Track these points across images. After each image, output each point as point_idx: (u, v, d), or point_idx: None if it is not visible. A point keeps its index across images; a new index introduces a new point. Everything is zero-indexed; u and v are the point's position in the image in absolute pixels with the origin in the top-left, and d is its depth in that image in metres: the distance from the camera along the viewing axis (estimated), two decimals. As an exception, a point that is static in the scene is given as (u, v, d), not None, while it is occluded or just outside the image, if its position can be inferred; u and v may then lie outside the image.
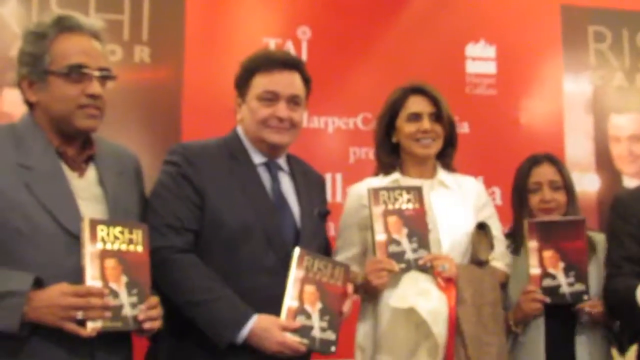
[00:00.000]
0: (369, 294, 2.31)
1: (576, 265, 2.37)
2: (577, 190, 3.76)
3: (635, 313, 2.16)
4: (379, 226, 2.23)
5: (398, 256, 2.22)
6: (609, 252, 2.39)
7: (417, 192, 2.28)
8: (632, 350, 2.42)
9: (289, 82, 2.17)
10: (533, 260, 2.37)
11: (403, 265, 2.22)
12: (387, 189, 2.27)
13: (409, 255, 2.23)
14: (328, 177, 3.62)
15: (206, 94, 3.43)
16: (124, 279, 1.77)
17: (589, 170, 3.96)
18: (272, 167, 2.20)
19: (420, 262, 2.23)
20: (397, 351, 2.22)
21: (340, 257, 2.36)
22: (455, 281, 2.23)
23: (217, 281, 2.00)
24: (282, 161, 2.24)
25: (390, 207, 2.24)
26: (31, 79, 1.86)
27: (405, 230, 2.24)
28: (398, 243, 2.23)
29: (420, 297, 2.18)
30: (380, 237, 2.23)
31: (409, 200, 2.26)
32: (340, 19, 3.74)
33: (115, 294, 1.75)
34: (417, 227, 2.25)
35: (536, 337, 2.41)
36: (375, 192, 2.25)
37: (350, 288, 2.12)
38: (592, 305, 2.37)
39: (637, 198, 2.38)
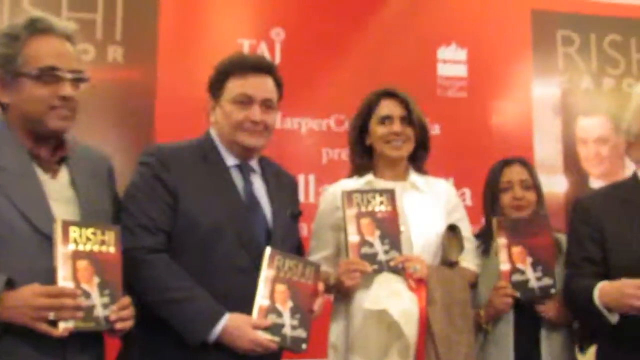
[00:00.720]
0: (342, 294, 2.34)
1: (543, 261, 2.44)
2: (546, 191, 3.86)
3: (593, 312, 2.22)
4: (352, 228, 2.27)
5: (370, 257, 2.26)
6: (570, 253, 2.44)
7: (390, 194, 2.32)
8: (592, 351, 2.49)
9: (263, 86, 2.19)
10: (503, 256, 2.43)
11: (375, 267, 2.26)
12: (361, 192, 2.31)
13: (381, 256, 2.27)
14: (301, 178, 3.65)
15: (179, 94, 3.44)
16: (96, 279, 1.78)
17: (557, 171, 4.04)
18: (244, 169, 2.22)
19: (392, 263, 2.27)
20: (370, 352, 2.25)
21: (314, 258, 2.39)
22: (426, 282, 2.28)
23: (189, 280, 2.02)
24: (254, 163, 2.27)
25: (363, 209, 2.28)
26: (3, 80, 1.86)
27: (377, 232, 2.28)
28: (370, 245, 2.27)
29: (392, 298, 2.22)
30: (353, 238, 2.27)
31: (381, 203, 2.30)
32: (314, 20, 3.77)
33: (87, 295, 1.75)
34: (390, 229, 2.29)
35: (506, 333, 2.48)
36: (348, 195, 2.29)
37: (320, 286, 2.15)
38: (545, 309, 2.44)
39: (597, 201, 2.44)
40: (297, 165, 3.62)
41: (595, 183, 4.02)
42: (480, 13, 4.01)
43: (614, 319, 2.20)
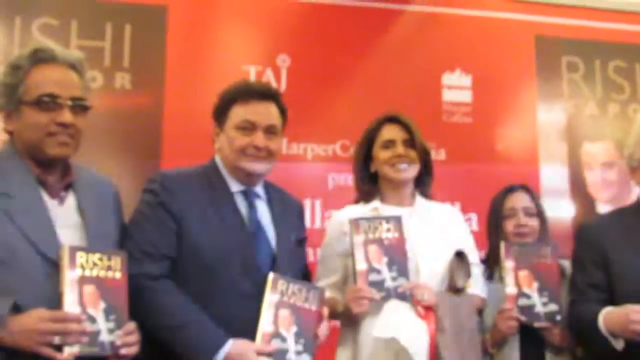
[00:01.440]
0: (350, 321, 2.33)
1: (549, 286, 2.43)
2: (552, 216, 3.87)
3: (598, 338, 2.20)
4: (359, 255, 2.27)
5: (378, 284, 2.26)
6: (574, 279, 2.44)
7: (397, 221, 2.33)
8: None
9: (266, 113, 2.21)
10: (509, 279, 2.43)
11: (383, 294, 2.25)
12: (367, 219, 2.32)
13: (389, 283, 2.27)
14: (307, 203, 3.66)
15: (186, 121, 3.47)
16: (102, 304, 1.79)
17: (564, 196, 4.03)
18: (249, 195, 2.23)
19: (400, 289, 2.26)
20: None
21: (321, 284, 2.39)
22: (434, 309, 2.27)
23: (192, 306, 2.02)
24: (259, 189, 2.28)
25: (370, 236, 2.29)
26: (8, 109, 1.91)
27: (385, 259, 2.28)
28: (378, 272, 2.27)
29: (401, 326, 2.21)
30: (361, 266, 2.26)
31: (388, 230, 2.31)
32: (320, 47, 3.81)
33: (92, 320, 1.76)
34: (397, 255, 2.29)
35: (511, 357, 2.47)
36: (356, 222, 2.30)
37: (325, 311, 2.14)
38: (551, 335, 2.44)
39: (600, 227, 2.45)
40: (304, 191, 3.63)
41: (603, 208, 4.01)
42: (484, 39, 4.04)
43: (619, 345, 2.18)
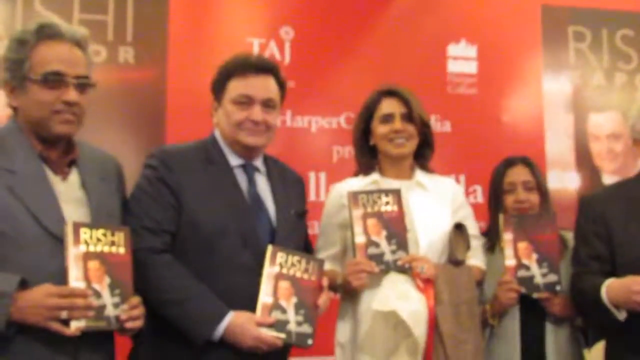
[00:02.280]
0: (349, 294, 2.36)
1: (549, 257, 2.44)
2: (558, 187, 3.88)
3: (601, 310, 2.22)
4: (358, 228, 2.28)
5: (377, 258, 2.27)
6: (576, 251, 2.45)
7: (396, 194, 2.33)
8: (599, 346, 2.49)
9: (264, 86, 2.21)
10: (508, 251, 2.44)
11: (382, 267, 2.27)
12: (366, 192, 2.32)
13: (388, 256, 2.28)
14: (312, 176, 3.67)
15: (190, 95, 3.45)
16: (106, 279, 1.81)
17: (569, 168, 4.03)
18: (248, 169, 2.24)
19: (399, 262, 2.28)
20: (378, 351, 2.26)
21: (321, 256, 2.40)
22: (433, 282, 2.28)
23: (193, 280, 2.04)
24: (259, 163, 2.29)
25: (369, 209, 2.29)
26: (12, 84, 1.91)
27: (384, 232, 2.29)
28: (377, 245, 2.28)
29: (400, 299, 2.23)
30: (360, 239, 2.27)
31: (387, 203, 2.31)
32: (323, 19, 3.79)
33: (98, 295, 1.79)
34: (396, 229, 2.30)
35: (512, 328, 2.50)
36: (354, 195, 2.30)
37: (325, 282, 2.16)
38: (551, 304, 2.46)
39: (603, 199, 2.44)
40: (308, 164, 3.65)
41: (609, 179, 4.01)
42: (489, 9, 4.00)
43: (621, 316, 2.20)
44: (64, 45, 1.91)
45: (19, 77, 1.88)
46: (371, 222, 2.29)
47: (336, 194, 2.50)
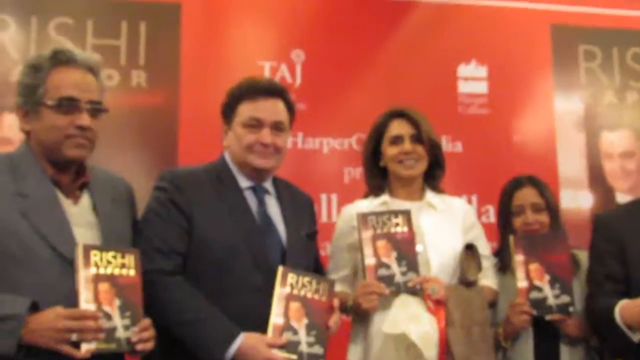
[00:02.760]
0: (360, 316, 2.34)
1: (561, 278, 2.41)
2: (571, 207, 3.86)
3: (615, 331, 2.20)
4: (368, 250, 2.27)
5: (387, 279, 2.26)
6: (591, 271, 2.43)
7: (406, 215, 2.32)
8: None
9: (273, 109, 2.23)
10: (520, 273, 2.41)
11: (392, 288, 2.26)
12: (376, 214, 2.32)
13: (399, 278, 2.27)
14: (323, 198, 3.68)
15: (202, 117, 3.48)
16: (117, 302, 1.82)
17: (582, 187, 4.00)
18: (258, 191, 2.25)
19: (410, 284, 2.26)
20: None
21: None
22: (444, 303, 2.27)
23: (204, 301, 2.04)
24: (268, 185, 2.30)
25: (379, 231, 2.29)
26: (25, 109, 1.94)
27: (394, 254, 2.28)
28: (387, 267, 2.27)
29: (411, 321, 2.21)
30: (370, 260, 2.27)
31: (397, 224, 2.31)
32: (334, 41, 3.82)
33: (108, 317, 1.79)
34: (406, 250, 2.29)
35: (525, 350, 2.47)
36: (364, 217, 2.30)
37: (335, 302, 2.16)
38: (567, 327, 2.43)
39: (618, 218, 2.43)
40: (320, 185, 3.66)
41: (622, 198, 3.97)
42: (499, 29, 4.02)
43: (636, 337, 2.18)
44: (77, 71, 1.95)
45: (32, 102, 1.92)
46: (381, 243, 2.28)
47: (346, 216, 2.50)
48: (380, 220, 2.30)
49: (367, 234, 2.28)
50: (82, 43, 3.48)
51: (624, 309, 2.19)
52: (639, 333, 2.17)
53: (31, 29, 3.50)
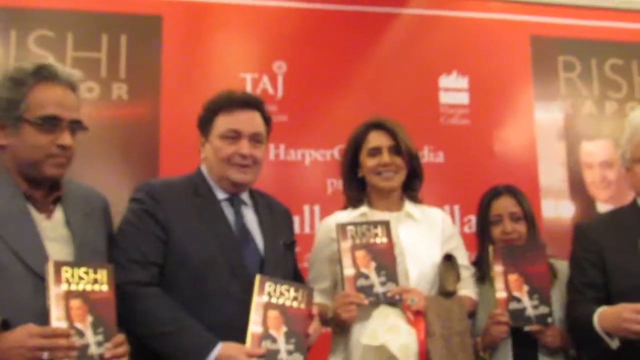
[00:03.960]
0: (339, 327, 2.33)
1: (539, 289, 2.42)
2: (552, 216, 3.87)
3: (595, 338, 2.21)
4: (347, 261, 2.27)
5: (367, 290, 2.26)
6: (571, 279, 2.44)
7: (385, 226, 2.33)
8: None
9: (250, 121, 2.24)
10: (499, 284, 2.42)
11: (372, 299, 2.25)
12: (355, 224, 2.32)
13: (378, 288, 2.27)
14: (306, 209, 3.68)
15: (183, 130, 3.44)
16: (89, 318, 1.80)
17: (563, 197, 4.02)
18: (235, 202, 2.25)
19: (389, 294, 2.26)
20: None
21: (311, 290, 2.39)
22: (424, 314, 2.27)
23: (181, 312, 2.04)
24: (245, 196, 2.30)
25: (358, 241, 2.29)
26: (3, 123, 1.92)
27: (373, 264, 2.28)
28: (367, 277, 2.27)
29: (390, 333, 2.21)
30: (349, 271, 2.27)
31: (376, 235, 2.31)
32: (315, 53, 3.82)
33: (80, 334, 1.77)
34: (385, 260, 2.29)
35: None
36: (343, 228, 2.30)
37: (315, 310, 2.15)
38: (547, 337, 2.43)
39: (597, 227, 2.45)
40: (302, 196, 3.66)
41: (603, 207, 3.99)
42: (480, 41, 4.04)
43: (614, 344, 2.18)
44: (59, 88, 1.95)
45: (12, 117, 1.90)
46: (360, 254, 2.28)
47: (325, 228, 2.50)
48: (360, 231, 2.30)
49: (346, 245, 2.28)
50: (62, 56, 3.46)
51: (603, 315, 2.20)
52: (617, 340, 2.18)
53: (10, 42, 3.48)
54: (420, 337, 2.24)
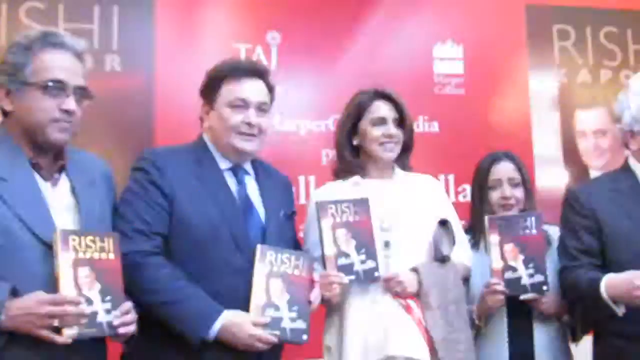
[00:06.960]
0: (327, 305, 2.35)
1: (535, 258, 2.43)
2: (546, 184, 3.90)
3: (598, 304, 2.22)
4: (327, 239, 2.27)
5: (347, 268, 2.26)
6: (564, 244, 2.44)
7: (364, 204, 2.31)
8: (585, 339, 2.53)
9: (257, 90, 2.23)
10: (495, 254, 2.42)
11: (352, 277, 2.26)
12: (334, 202, 2.30)
13: (358, 266, 2.27)
14: (301, 180, 3.68)
15: (178, 101, 3.45)
16: (97, 286, 1.81)
17: (557, 165, 4.05)
18: (238, 172, 2.25)
19: (383, 281, 2.29)
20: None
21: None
22: (417, 296, 2.29)
23: (185, 281, 2.05)
24: (247, 166, 2.30)
25: (338, 220, 2.28)
26: (9, 88, 1.90)
27: (353, 242, 2.28)
28: (347, 255, 2.27)
29: (391, 336, 2.24)
30: (329, 250, 2.26)
31: (356, 213, 2.30)
32: (309, 23, 3.79)
33: (89, 301, 1.79)
34: (365, 238, 2.29)
35: (499, 329, 2.50)
36: (322, 206, 2.29)
37: (316, 277, 2.17)
38: (543, 305, 2.46)
39: (591, 193, 2.44)
40: (297, 167, 3.65)
41: (596, 175, 4.00)
42: (475, 9, 4.02)
43: (621, 311, 2.20)
44: (66, 54, 1.93)
45: (18, 82, 1.89)
46: (340, 232, 2.28)
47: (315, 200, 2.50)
48: (339, 209, 2.29)
49: (326, 223, 2.27)
50: (54, 27, 3.40)
51: (611, 283, 2.20)
52: (623, 307, 2.20)
53: (1, 14, 3.42)
54: (418, 322, 2.27)
